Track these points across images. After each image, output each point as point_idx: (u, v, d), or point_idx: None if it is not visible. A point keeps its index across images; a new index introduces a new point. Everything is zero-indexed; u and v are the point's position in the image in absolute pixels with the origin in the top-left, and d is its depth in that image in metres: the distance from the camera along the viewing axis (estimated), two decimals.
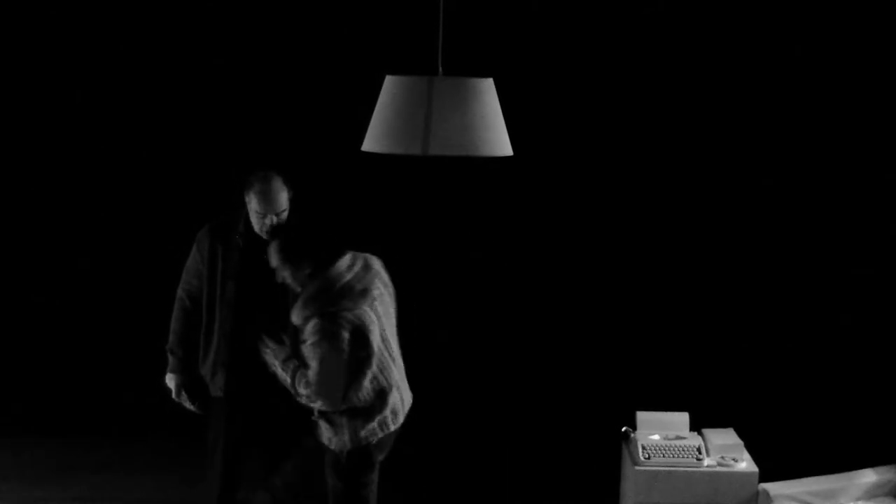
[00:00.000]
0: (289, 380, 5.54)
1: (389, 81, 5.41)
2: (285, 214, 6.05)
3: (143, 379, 7.25)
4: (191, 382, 6.21)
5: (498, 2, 8.57)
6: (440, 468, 8.22)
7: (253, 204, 6.03)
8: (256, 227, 6.02)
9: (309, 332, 5.46)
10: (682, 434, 6.61)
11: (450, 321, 8.85)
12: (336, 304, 5.46)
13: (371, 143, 5.44)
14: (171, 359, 6.23)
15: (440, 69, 5.33)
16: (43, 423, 8.82)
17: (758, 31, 8.64)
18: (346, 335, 5.42)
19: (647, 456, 6.47)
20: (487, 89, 5.34)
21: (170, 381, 6.23)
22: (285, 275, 5.58)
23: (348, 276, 5.55)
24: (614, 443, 6.98)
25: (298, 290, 5.57)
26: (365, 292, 5.56)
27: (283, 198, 6.03)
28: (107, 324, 9.21)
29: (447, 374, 8.78)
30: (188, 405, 6.23)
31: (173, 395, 6.25)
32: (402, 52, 7.71)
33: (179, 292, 6.21)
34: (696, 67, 8.74)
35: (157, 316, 6.50)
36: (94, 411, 8.92)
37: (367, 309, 5.54)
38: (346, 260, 5.61)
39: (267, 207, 5.99)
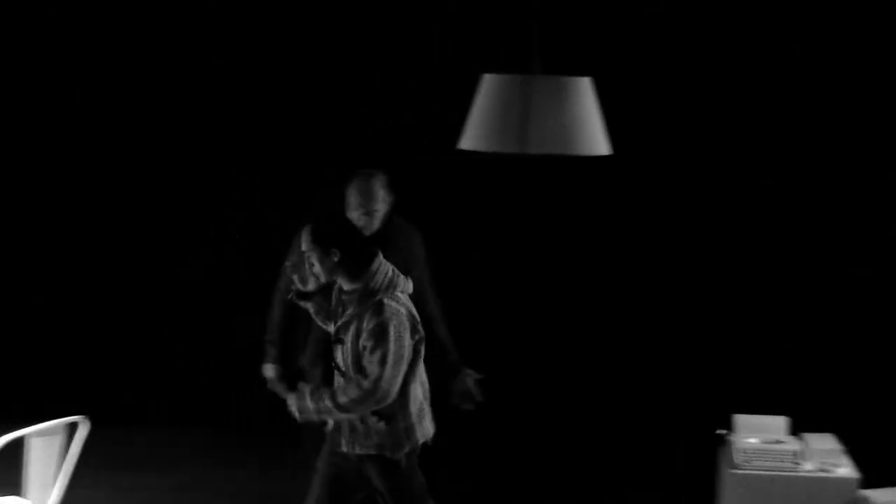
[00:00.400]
0: (329, 403, 5.41)
1: (487, 80, 5.39)
2: (378, 215, 6.13)
3: (245, 371, 7.18)
4: (286, 373, 6.24)
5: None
6: (535, 472, 8.21)
7: (350, 199, 6.11)
8: (358, 225, 6.03)
9: (365, 330, 5.39)
10: (780, 438, 6.52)
11: (548, 318, 8.76)
12: (379, 294, 5.39)
13: (468, 141, 5.44)
14: (269, 349, 6.37)
15: (538, 68, 5.20)
16: (146, 412, 8.94)
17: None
18: (396, 324, 5.35)
19: (744, 460, 6.39)
20: (585, 88, 5.31)
21: (267, 371, 6.37)
22: (313, 261, 5.46)
23: (385, 269, 5.47)
24: (712, 446, 6.89)
25: (324, 279, 5.49)
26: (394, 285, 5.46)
27: (378, 196, 6.11)
28: (214, 316, 9.17)
29: (546, 372, 8.75)
30: (283, 395, 6.26)
31: (269, 385, 6.29)
32: (501, 50, 7.68)
33: (279, 285, 6.31)
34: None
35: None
36: (197, 401, 8.99)
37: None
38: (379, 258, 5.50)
39: (360, 202, 6.08)
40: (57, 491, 5.57)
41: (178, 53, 9.05)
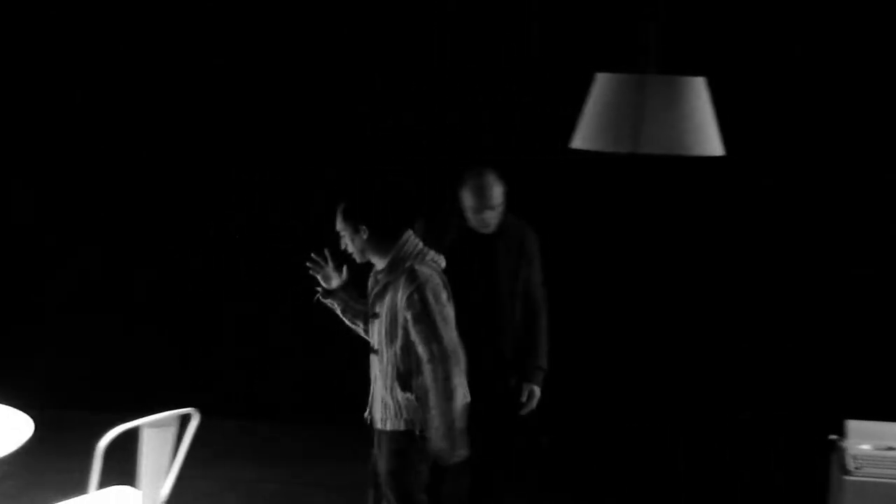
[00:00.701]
0: (435, 413, 5.47)
1: (601, 79, 5.39)
2: (501, 209, 6.16)
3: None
4: None
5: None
6: (647, 477, 8.23)
7: (467, 200, 6.16)
8: (473, 223, 6.10)
9: (401, 300, 5.42)
10: (893, 445, 6.41)
11: (657, 320, 8.75)
12: (409, 261, 5.46)
13: (581, 140, 5.42)
14: None
15: (652, 67, 5.16)
16: (259, 405, 9.03)
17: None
18: (432, 286, 5.41)
19: (856, 466, 6.29)
20: (699, 88, 5.25)
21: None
22: (345, 239, 5.56)
23: (415, 241, 5.54)
24: (824, 452, 6.78)
25: (358, 257, 5.58)
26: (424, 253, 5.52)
27: (496, 192, 6.14)
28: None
29: (656, 375, 8.74)
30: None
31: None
32: (617, 48, 7.58)
33: None
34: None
35: None
36: (305, 397, 9.04)
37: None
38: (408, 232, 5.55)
39: (481, 202, 6.10)
40: (169, 482, 5.64)
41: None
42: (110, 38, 9.20)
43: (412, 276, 5.35)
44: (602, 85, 5.33)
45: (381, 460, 5.60)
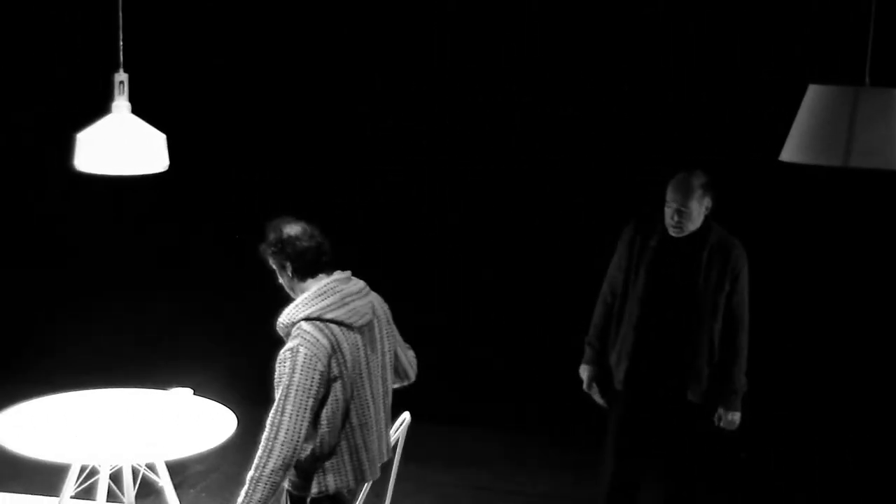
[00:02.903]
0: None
1: (813, 90, 5.34)
2: (691, 215, 6.10)
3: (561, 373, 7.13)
4: (603, 376, 6.21)
5: None
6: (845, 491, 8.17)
7: (667, 193, 6.14)
8: (666, 218, 6.07)
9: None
10: None
11: (865, 330, 8.60)
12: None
13: (790, 152, 5.40)
14: (587, 350, 6.41)
15: (867, 79, 5.23)
16: (455, 410, 8.85)
17: None
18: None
19: None
20: None
21: (583, 371, 6.41)
22: (278, 277, 5.11)
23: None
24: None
25: (292, 295, 5.11)
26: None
27: (691, 193, 6.07)
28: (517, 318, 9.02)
29: (863, 387, 8.63)
30: (597, 398, 6.30)
31: (584, 387, 6.33)
32: (827, 60, 7.61)
33: (604, 286, 6.38)
34: None
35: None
36: (504, 404, 8.88)
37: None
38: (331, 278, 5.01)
39: (672, 196, 6.07)
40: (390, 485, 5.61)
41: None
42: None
43: (295, 333, 4.82)
44: (814, 97, 5.31)
45: None
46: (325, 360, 4.74)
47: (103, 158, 5.51)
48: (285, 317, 4.93)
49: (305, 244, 4.96)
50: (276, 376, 4.83)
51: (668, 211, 6.13)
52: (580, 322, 7.04)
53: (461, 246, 9.06)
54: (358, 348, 4.91)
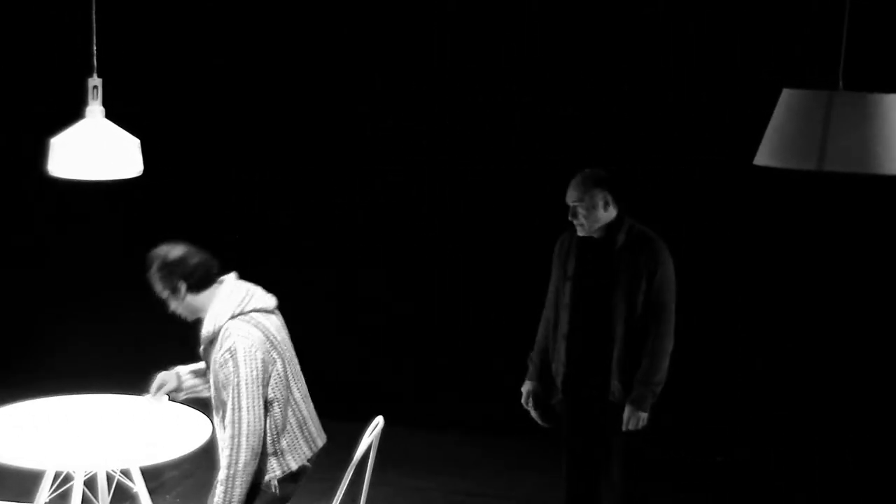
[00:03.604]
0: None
1: (787, 95, 5.31)
2: (588, 212, 6.08)
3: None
4: (542, 392, 6.25)
5: None
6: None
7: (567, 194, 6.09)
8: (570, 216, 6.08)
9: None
10: None
11: (842, 335, 8.54)
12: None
13: (764, 156, 5.37)
14: (529, 367, 6.40)
15: (840, 83, 5.16)
16: (435, 415, 8.84)
17: None
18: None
19: None
20: (891, 105, 5.19)
21: (523, 388, 6.39)
22: (169, 302, 5.31)
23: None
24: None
25: (189, 317, 5.37)
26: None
27: (584, 190, 6.05)
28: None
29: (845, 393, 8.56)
30: (533, 415, 6.29)
31: (522, 401, 6.28)
32: (800, 64, 7.56)
33: (546, 304, 6.32)
34: None
35: None
36: (486, 407, 8.81)
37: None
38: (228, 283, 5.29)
39: (567, 195, 6.08)
40: (343, 486, 5.58)
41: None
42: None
43: (226, 335, 5.04)
44: (787, 101, 5.28)
45: None
46: (262, 348, 5.00)
47: (76, 163, 5.45)
48: (209, 325, 5.13)
49: (195, 261, 5.18)
50: (221, 380, 5.04)
51: (570, 210, 6.12)
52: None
53: (461, 246, 9.00)
54: (279, 328, 5.21)
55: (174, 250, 5.18)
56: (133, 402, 6.30)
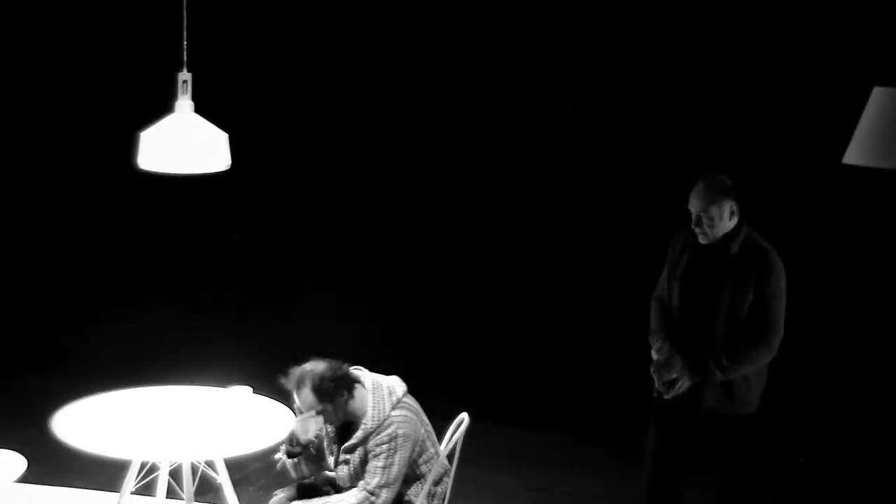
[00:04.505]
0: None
1: (877, 93, 5.37)
2: (713, 221, 6.03)
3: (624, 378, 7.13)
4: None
5: None
6: None
7: (689, 201, 6.08)
8: (693, 225, 6.05)
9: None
10: None
11: None
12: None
13: (854, 155, 5.43)
14: (660, 345, 6.21)
15: None
16: (509, 412, 8.77)
17: None
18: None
19: None
20: None
21: (661, 349, 6.20)
22: (324, 416, 5.65)
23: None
24: None
25: (337, 423, 5.72)
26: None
27: (709, 199, 6.00)
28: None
29: None
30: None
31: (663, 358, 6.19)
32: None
33: (654, 294, 6.32)
34: None
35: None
36: (560, 405, 8.81)
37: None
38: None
39: (692, 202, 6.03)
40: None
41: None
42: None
43: (387, 423, 5.56)
44: (878, 99, 5.35)
45: None
46: (416, 429, 5.55)
47: (166, 157, 5.43)
48: (373, 420, 5.51)
49: (341, 370, 5.55)
50: (374, 461, 5.49)
51: (692, 217, 6.08)
52: (579, 324, 6.99)
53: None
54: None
55: (317, 367, 5.50)
56: (217, 394, 6.29)
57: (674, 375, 6.11)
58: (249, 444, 5.79)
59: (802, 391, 8.31)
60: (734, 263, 6.03)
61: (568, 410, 8.79)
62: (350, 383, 5.50)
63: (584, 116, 8.76)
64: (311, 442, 5.57)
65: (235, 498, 6.28)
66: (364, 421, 5.48)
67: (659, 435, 6.33)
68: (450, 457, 5.76)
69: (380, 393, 5.52)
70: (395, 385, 5.60)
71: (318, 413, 5.49)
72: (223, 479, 6.23)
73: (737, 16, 8.40)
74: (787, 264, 6.07)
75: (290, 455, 5.62)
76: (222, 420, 6.06)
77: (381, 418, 5.46)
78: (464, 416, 5.72)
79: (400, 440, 5.43)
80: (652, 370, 6.23)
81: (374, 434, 5.45)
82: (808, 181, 8.21)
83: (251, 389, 6.06)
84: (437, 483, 5.66)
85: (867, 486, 8.02)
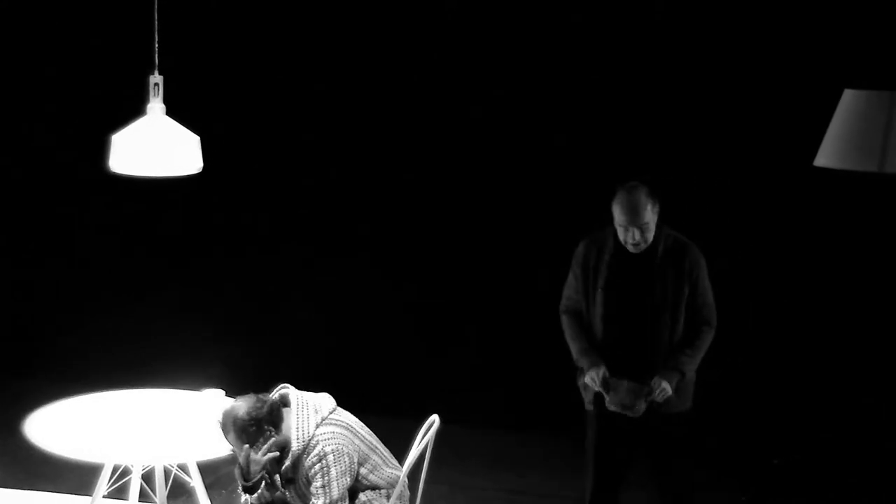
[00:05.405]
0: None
1: (848, 95, 5.33)
2: (650, 226, 5.94)
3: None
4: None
5: None
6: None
7: (616, 215, 5.95)
8: (621, 239, 5.97)
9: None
10: None
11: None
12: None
13: (825, 158, 5.39)
14: (585, 359, 6.15)
15: None
16: (492, 414, 8.76)
17: None
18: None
19: None
20: None
21: (592, 374, 6.10)
22: (255, 450, 5.50)
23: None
24: None
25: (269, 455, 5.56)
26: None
27: (645, 210, 5.89)
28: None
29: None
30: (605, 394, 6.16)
31: (597, 385, 6.11)
32: (862, 65, 7.52)
33: (561, 308, 6.25)
34: None
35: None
36: (536, 407, 8.76)
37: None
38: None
39: (625, 217, 5.90)
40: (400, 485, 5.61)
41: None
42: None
43: (313, 443, 5.44)
44: (849, 102, 5.30)
45: None
46: (348, 444, 5.41)
47: (138, 160, 5.46)
48: (298, 442, 5.41)
49: (267, 405, 5.41)
50: (310, 476, 5.41)
51: (623, 231, 5.95)
52: (557, 326, 6.93)
53: (461, 245, 9.04)
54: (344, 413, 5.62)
55: (240, 406, 5.38)
56: (190, 398, 6.31)
57: (658, 387, 6.02)
58: (222, 447, 5.74)
59: (776, 392, 8.30)
60: (663, 263, 5.98)
61: (543, 412, 8.69)
62: (274, 416, 5.39)
63: (583, 116, 8.72)
64: (260, 474, 5.49)
65: (208, 501, 6.29)
66: (291, 445, 5.40)
67: (601, 443, 6.26)
68: (420, 459, 5.70)
69: (304, 413, 5.43)
70: (321, 403, 5.50)
71: (252, 449, 5.41)
72: (196, 482, 6.24)
73: (707, 19, 8.36)
74: (758, 266, 6.02)
75: (248, 490, 5.53)
76: (195, 423, 6.05)
77: (306, 439, 5.38)
78: (434, 418, 5.69)
79: (330, 457, 5.34)
80: (586, 385, 6.18)
81: (304, 456, 5.37)
82: (779, 183, 8.17)
83: (224, 392, 6.05)
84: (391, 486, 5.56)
85: (842, 486, 7.97)
